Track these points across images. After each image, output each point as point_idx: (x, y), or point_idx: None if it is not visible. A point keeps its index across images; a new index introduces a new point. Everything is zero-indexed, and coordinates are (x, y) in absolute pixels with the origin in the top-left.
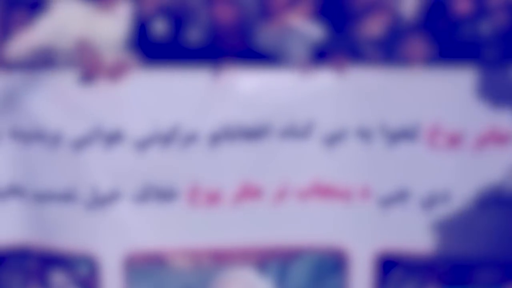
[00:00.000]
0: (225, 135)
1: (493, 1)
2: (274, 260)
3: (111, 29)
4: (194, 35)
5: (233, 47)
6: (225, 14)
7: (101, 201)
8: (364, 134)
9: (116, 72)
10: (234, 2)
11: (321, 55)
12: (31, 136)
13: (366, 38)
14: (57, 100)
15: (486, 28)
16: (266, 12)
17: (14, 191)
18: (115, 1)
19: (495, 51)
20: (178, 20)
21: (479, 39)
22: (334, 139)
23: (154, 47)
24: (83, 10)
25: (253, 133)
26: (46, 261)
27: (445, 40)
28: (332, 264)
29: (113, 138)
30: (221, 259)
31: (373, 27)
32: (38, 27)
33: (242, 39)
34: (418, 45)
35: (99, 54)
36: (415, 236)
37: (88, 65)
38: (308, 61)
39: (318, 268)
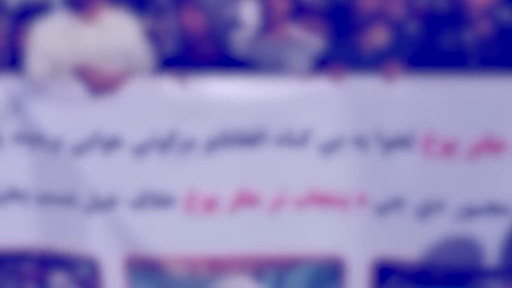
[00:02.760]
0: (222, 142)
1: (474, 10)
2: (271, 268)
3: (97, 39)
4: (166, 45)
5: (205, 55)
6: (193, 21)
7: (100, 205)
8: (360, 142)
9: (115, 83)
10: (201, 9)
11: (319, 64)
12: (33, 141)
13: (367, 49)
14: (58, 107)
15: (468, 37)
16: (265, 24)
17: (17, 194)
18: (98, 12)
19: (477, 60)
20: None
21: (462, 48)
22: (330, 147)
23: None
24: (64, 25)
25: (250, 140)
26: (47, 262)
27: (427, 49)
28: (328, 272)
29: (111, 144)
30: (217, 266)
31: (375, 38)
32: (32, 65)
33: (215, 47)
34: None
35: (98, 69)
36: (411, 243)
37: (89, 82)
38: (307, 70)
39: (315, 276)
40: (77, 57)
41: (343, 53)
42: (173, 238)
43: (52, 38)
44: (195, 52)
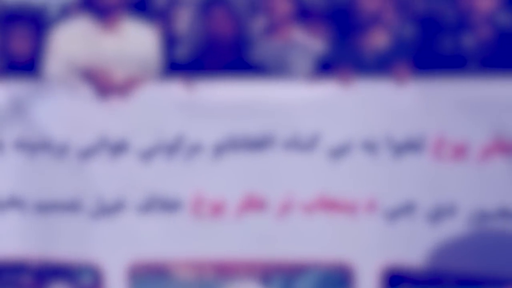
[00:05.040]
0: (230, 146)
1: (475, 14)
2: (279, 274)
3: (116, 47)
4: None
5: (228, 59)
6: (222, 26)
7: (106, 210)
8: (370, 147)
9: (125, 88)
10: (230, 13)
11: (326, 67)
12: (37, 147)
13: (368, 51)
14: (64, 111)
15: (469, 41)
16: (269, 26)
17: (15, 203)
18: (117, 20)
19: (477, 64)
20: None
21: (462, 52)
22: (339, 151)
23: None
24: (84, 31)
25: (258, 145)
26: (45, 273)
27: (427, 52)
28: (337, 279)
29: (118, 148)
30: (225, 271)
31: (375, 40)
32: (49, 67)
33: (238, 51)
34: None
35: (109, 74)
36: (422, 249)
37: (99, 86)
38: (313, 73)
39: (323, 283)
40: (95, 63)
41: (344, 55)
42: (180, 242)
43: (71, 43)
44: (215, 56)
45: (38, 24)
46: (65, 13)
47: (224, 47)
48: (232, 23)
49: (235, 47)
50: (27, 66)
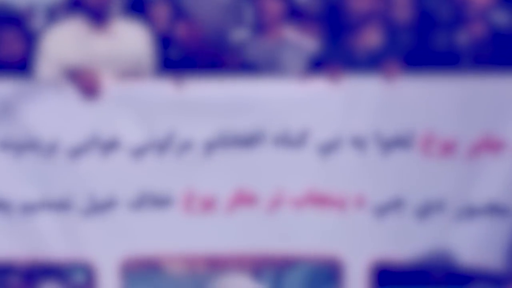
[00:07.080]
0: (220, 143)
1: (469, 12)
2: (269, 268)
3: (108, 47)
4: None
5: (207, 60)
6: (189, 33)
7: (98, 208)
8: (359, 143)
9: (91, 87)
10: (194, 20)
11: (316, 64)
12: (26, 146)
13: (361, 50)
14: (55, 110)
15: (463, 38)
16: (260, 26)
17: (3, 203)
18: (108, 21)
19: (471, 62)
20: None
21: (455, 50)
22: (328, 147)
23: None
24: (76, 32)
25: (248, 141)
26: (37, 272)
27: (420, 50)
28: (326, 274)
29: (109, 146)
30: (216, 265)
31: (368, 39)
32: (41, 70)
33: (214, 52)
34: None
35: (94, 74)
36: (410, 244)
37: (83, 85)
38: (303, 71)
39: (313, 277)
40: (87, 65)
41: (337, 55)
42: (172, 238)
43: (63, 45)
44: (194, 58)
45: (22, 26)
46: (52, 14)
47: (196, 51)
48: (198, 29)
49: (209, 49)
50: (12, 67)
